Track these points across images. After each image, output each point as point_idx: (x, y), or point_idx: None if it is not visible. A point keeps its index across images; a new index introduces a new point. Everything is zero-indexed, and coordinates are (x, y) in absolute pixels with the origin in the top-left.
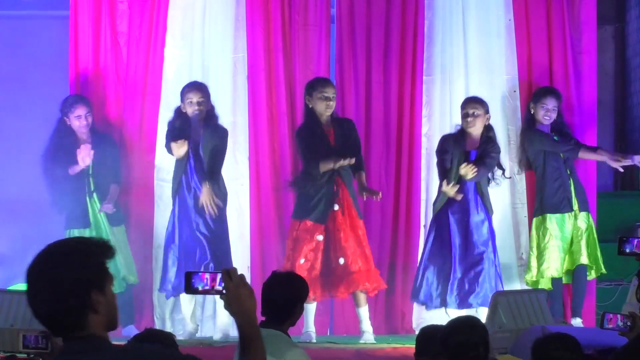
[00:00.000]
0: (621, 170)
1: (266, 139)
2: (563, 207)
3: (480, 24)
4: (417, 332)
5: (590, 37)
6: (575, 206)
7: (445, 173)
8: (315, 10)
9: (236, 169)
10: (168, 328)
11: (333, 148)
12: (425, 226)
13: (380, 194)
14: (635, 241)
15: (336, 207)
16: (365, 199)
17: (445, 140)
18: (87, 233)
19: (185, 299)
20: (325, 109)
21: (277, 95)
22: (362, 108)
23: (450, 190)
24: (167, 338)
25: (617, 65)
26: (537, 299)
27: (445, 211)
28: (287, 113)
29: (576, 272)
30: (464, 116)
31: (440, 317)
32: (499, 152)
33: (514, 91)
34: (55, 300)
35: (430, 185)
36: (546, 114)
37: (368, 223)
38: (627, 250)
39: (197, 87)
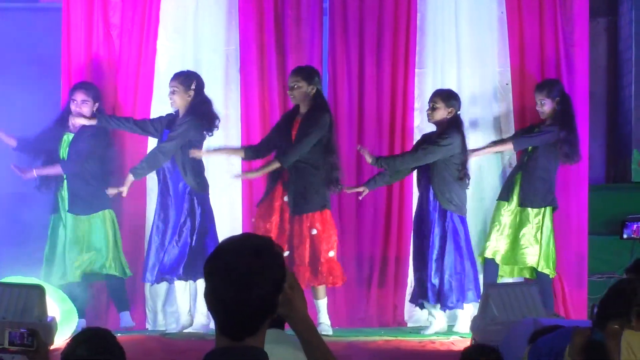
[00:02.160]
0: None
1: (258, 131)
2: (503, 195)
3: (473, 17)
4: (408, 325)
5: (582, 30)
6: (514, 198)
7: None
8: (307, 3)
9: (228, 162)
10: (160, 321)
11: (291, 138)
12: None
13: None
14: (635, 225)
15: (286, 199)
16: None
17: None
18: (56, 219)
19: (180, 291)
20: (292, 98)
21: (269, 88)
22: (355, 101)
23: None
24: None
25: (609, 58)
26: (529, 291)
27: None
28: (280, 106)
29: (536, 272)
30: (427, 108)
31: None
32: (443, 145)
33: (506, 84)
34: (260, 300)
35: (419, 190)
36: (537, 108)
37: (361, 216)
38: (625, 236)
39: (175, 76)
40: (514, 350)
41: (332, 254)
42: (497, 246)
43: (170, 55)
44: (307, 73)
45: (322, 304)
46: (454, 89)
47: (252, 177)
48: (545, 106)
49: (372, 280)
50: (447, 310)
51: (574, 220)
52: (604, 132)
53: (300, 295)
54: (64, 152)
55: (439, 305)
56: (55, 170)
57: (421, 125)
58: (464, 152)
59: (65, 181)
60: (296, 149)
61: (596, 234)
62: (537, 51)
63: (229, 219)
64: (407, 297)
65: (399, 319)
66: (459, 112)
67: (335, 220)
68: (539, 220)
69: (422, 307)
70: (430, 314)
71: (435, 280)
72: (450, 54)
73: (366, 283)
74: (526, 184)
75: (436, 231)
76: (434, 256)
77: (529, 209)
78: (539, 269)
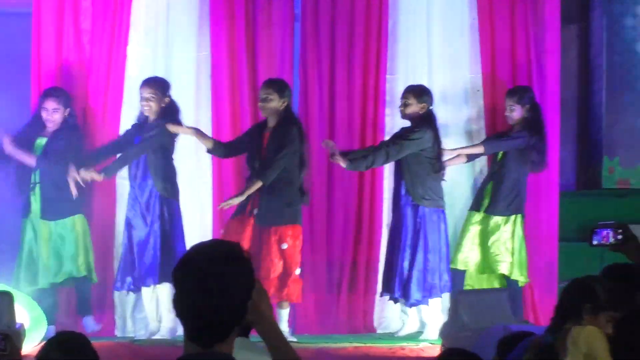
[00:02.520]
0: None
1: (229, 137)
2: (473, 205)
3: (445, 23)
4: (378, 331)
5: (554, 36)
6: (484, 207)
7: None
8: (279, 9)
9: (199, 167)
10: (129, 327)
11: (261, 151)
12: (388, 225)
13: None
14: (605, 232)
15: (255, 212)
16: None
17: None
18: (26, 223)
19: (147, 297)
20: (261, 109)
21: (240, 93)
22: (326, 106)
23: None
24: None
25: (580, 64)
26: (498, 298)
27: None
28: (250, 112)
29: (507, 279)
30: (400, 104)
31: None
32: (412, 139)
33: (477, 90)
34: (230, 306)
35: (392, 184)
36: (506, 113)
37: (331, 222)
38: (595, 242)
39: (147, 83)
40: (483, 357)
41: (298, 271)
42: (468, 257)
43: (141, 61)
44: (279, 86)
45: (285, 313)
46: None
47: (237, 202)
48: (515, 112)
49: (342, 286)
50: (413, 307)
51: (544, 227)
52: (575, 138)
53: (267, 302)
54: (35, 152)
55: None
56: (29, 160)
57: (392, 131)
58: (437, 145)
59: (38, 186)
60: (275, 166)
61: (566, 241)
62: (509, 57)
63: (199, 225)
64: (377, 302)
65: (368, 325)
66: (431, 107)
67: (306, 226)
68: (509, 229)
69: (395, 300)
70: (403, 312)
71: (403, 275)
72: (421, 60)
73: (336, 289)
74: (496, 192)
75: (408, 226)
76: (406, 252)
77: (498, 217)
78: (512, 277)
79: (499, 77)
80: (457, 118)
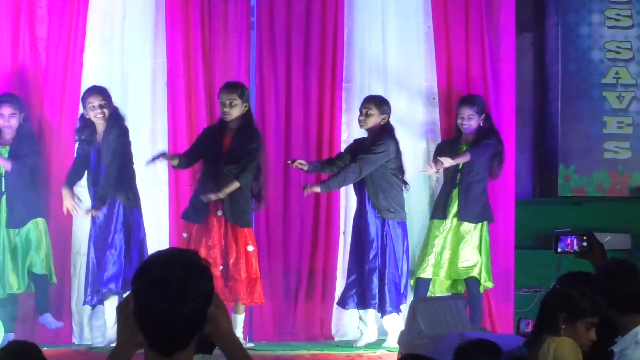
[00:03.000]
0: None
1: (185, 145)
2: (437, 213)
3: (400, 31)
4: (335, 339)
5: (509, 44)
6: (452, 214)
7: None
8: (235, 17)
9: (155, 176)
10: (86, 335)
11: (223, 153)
12: (344, 233)
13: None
14: (569, 239)
15: (219, 213)
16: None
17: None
18: None
19: (106, 305)
20: (223, 114)
21: (196, 101)
22: (282, 115)
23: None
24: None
25: (535, 72)
26: (455, 305)
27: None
28: (207, 119)
29: (468, 285)
30: (359, 114)
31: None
32: (379, 152)
33: (433, 98)
34: (192, 313)
35: (349, 192)
36: (462, 122)
37: (288, 229)
38: (559, 250)
39: (97, 91)
40: None
41: (258, 272)
42: (437, 264)
43: (97, 68)
44: (242, 90)
45: (241, 319)
46: None
47: (214, 199)
48: (473, 121)
49: (299, 293)
50: (384, 316)
51: (500, 234)
52: (531, 146)
53: (225, 313)
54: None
55: (370, 312)
56: (4, 163)
57: (349, 139)
58: (399, 157)
59: (4, 195)
60: (249, 169)
61: (523, 248)
62: (464, 66)
63: (155, 233)
64: (335, 310)
65: (326, 333)
66: (389, 118)
67: (262, 233)
68: (478, 234)
69: (345, 307)
70: (362, 321)
71: (374, 288)
72: (377, 68)
73: (293, 296)
74: (464, 199)
75: (375, 239)
76: (375, 264)
77: (468, 223)
78: (482, 282)
79: (454, 85)
80: (413, 126)
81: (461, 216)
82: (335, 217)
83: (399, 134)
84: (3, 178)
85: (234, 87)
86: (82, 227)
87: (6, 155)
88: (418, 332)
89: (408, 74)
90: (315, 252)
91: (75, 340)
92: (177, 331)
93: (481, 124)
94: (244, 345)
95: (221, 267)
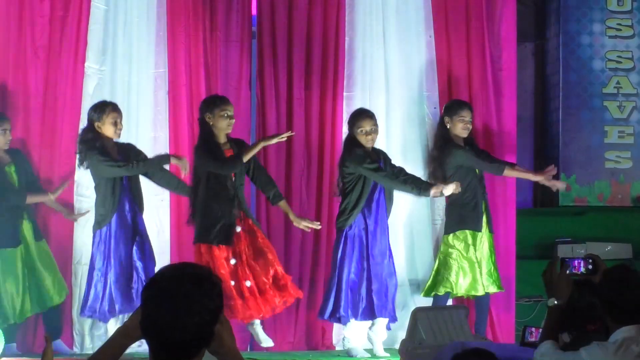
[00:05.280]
0: (541, 182)
1: (187, 154)
2: (475, 225)
3: (401, 41)
4: (337, 348)
5: (510, 54)
6: (485, 226)
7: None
8: (236, 26)
9: (156, 185)
10: (87, 344)
11: (232, 174)
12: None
13: (319, 224)
14: (575, 262)
15: (238, 229)
16: (309, 230)
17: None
18: (18, 252)
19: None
20: (227, 126)
21: (198, 110)
22: (284, 124)
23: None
24: None
25: (536, 82)
26: (457, 315)
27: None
28: None
29: (481, 297)
30: (367, 133)
31: (358, 331)
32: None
33: (434, 108)
34: (197, 327)
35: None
36: (465, 126)
37: (289, 239)
38: (567, 272)
39: (118, 109)
40: None
41: None
42: (469, 278)
43: (98, 78)
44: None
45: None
46: (383, 112)
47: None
48: (471, 126)
49: (300, 304)
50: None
51: (502, 244)
52: (532, 156)
53: (229, 330)
54: (13, 179)
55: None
56: (45, 198)
57: (347, 144)
58: None
59: (25, 212)
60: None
61: (524, 258)
62: (465, 75)
63: (157, 242)
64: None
65: (327, 343)
66: None
67: None
68: (492, 242)
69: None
70: (372, 331)
71: (390, 297)
72: (378, 78)
73: (294, 307)
74: (488, 210)
75: (386, 251)
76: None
77: (490, 234)
78: (497, 289)
79: (456, 94)
80: (414, 135)
81: (490, 228)
82: (335, 228)
83: (401, 142)
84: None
85: (229, 100)
86: (82, 237)
87: (15, 173)
88: (419, 342)
89: (409, 83)
90: (317, 262)
91: (76, 350)
92: (181, 344)
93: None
94: (244, 355)
95: (248, 283)
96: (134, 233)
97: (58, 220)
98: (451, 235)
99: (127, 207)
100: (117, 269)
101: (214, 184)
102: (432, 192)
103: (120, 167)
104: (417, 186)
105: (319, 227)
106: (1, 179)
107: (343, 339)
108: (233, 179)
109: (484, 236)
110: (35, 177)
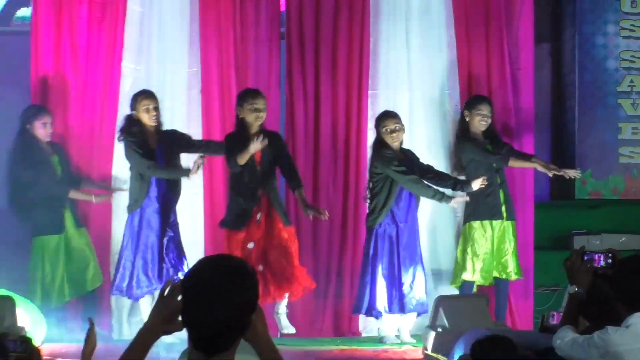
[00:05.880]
0: (550, 175)
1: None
2: (494, 214)
3: (423, 41)
4: (362, 335)
5: (527, 54)
6: (504, 215)
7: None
8: (266, 27)
9: (190, 178)
10: (125, 331)
11: (258, 161)
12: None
13: (327, 213)
14: (596, 256)
15: (258, 217)
16: (312, 219)
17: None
18: (61, 239)
19: (143, 302)
20: (255, 119)
21: (229, 108)
22: (311, 121)
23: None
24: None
25: (553, 81)
26: (477, 303)
27: (389, 221)
28: None
29: (500, 284)
30: (391, 132)
31: (391, 320)
32: None
33: (456, 105)
34: (235, 318)
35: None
36: (482, 119)
37: (317, 232)
38: (588, 266)
39: (151, 94)
40: None
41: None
42: (489, 264)
43: (134, 77)
44: (265, 98)
45: (284, 304)
46: (406, 110)
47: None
48: (490, 119)
49: (329, 292)
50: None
51: (520, 235)
52: (549, 151)
53: (262, 319)
54: (57, 170)
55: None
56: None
57: (375, 145)
58: None
59: (67, 199)
60: (296, 169)
61: (541, 249)
62: (485, 74)
63: (191, 233)
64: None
65: (353, 329)
66: None
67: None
68: (513, 232)
69: (376, 316)
70: (400, 318)
71: (419, 291)
72: (401, 76)
73: (322, 295)
74: (507, 199)
75: (415, 247)
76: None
77: (510, 222)
78: (515, 276)
79: (476, 92)
80: (436, 132)
81: (509, 216)
82: (362, 220)
83: (424, 139)
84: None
85: (261, 94)
86: (120, 226)
87: (59, 164)
88: (442, 329)
89: (431, 82)
90: (343, 253)
91: (114, 336)
92: (219, 334)
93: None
94: (274, 341)
95: (260, 267)
96: (165, 220)
97: (97, 209)
98: (467, 225)
99: (158, 193)
100: (144, 253)
101: (236, 173)
102: (452, 201)
103: (142, 162)
104: (439, 193)
105: (326, 217)
106: (45, 169)
107: (378, 329)
108: (258, 168)
109: (502, 225)
110: (74, 170)
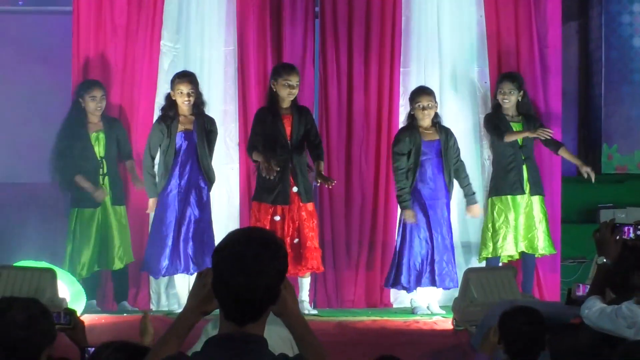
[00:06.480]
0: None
1: None
2: (515, 189)
3: (454, 20)
4: (394, 306)
5: (555, 32)
6: (527, 189)
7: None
8: (301, 7)
9: (227, 154)
10: (163, 302)
11: (287, 133)
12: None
13: (334, 182)
14: (625, 228)
15: (295, 189)
16: (318, 185)
17: (403, 139)
18: (95, 213)
19: (179, 276)
20: (287, 95)
21: (266, 84)
22: (345, 98)
23: (409, 217)
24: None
25: (580, 58)
26: (505, 275)
27: (415, 198)
28: None
29: (527, 258)
30: (423, 108)
31: (423, 292)
32: None
33: (485, 82)
34: (266, 287)
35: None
36: (504, 97)
37: (350, 204)
38: (617, 238)
39: (188, 78)
40: None
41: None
42: (513, 241)
43: (172, 55)
44: (299, 73)
45: (307, 282)
46: (437, 86)
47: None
48: (513, 96)
49: (360, 264)
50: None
51: (548, 209)
52: (576, 127)
53: (292, 294)
54: (100, 150)
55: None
56: (131, 165)
57: (406, 120)
58: None
59: (106, 177)
60: (321, 145)
61: (568, 222)
62: (514, 52)
63: (227, 208)
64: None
65: (385, 301)
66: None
67: (326, 207)
68: (541, 206)
69: (407, 290)
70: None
71: (450, 266)
72: (432, 54)
73: (355, 266)
74: (532, 174)
75: (443, 222)
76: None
77: (537, 197)
78: (548, 250)
79: (505, 70)
80: (466, 109)
81: (534, 191)
82: (393, 194)
83: (453, 114)
84: (104, 161)
85: (296, 70)
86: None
87: (103, 140)
88: (471, 300)
89: (461, 59)
90: (375, 226)
91: (153, 307)
92: (250, 304)
93: (519, 100)
94: (308, 312)
95: (296, 240)
96: (193, 203)
97: (137, 190)
98: (489, 200)
99: (186, 174)
100: (173, 232)
101: (268, 146)
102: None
103: (145, 153)
104: (401, 197)
105: (331, 185)
106: (84, 146)
107: (411, 300)
108: (289, 142)
109: (528, 200)
110: (128, 146)
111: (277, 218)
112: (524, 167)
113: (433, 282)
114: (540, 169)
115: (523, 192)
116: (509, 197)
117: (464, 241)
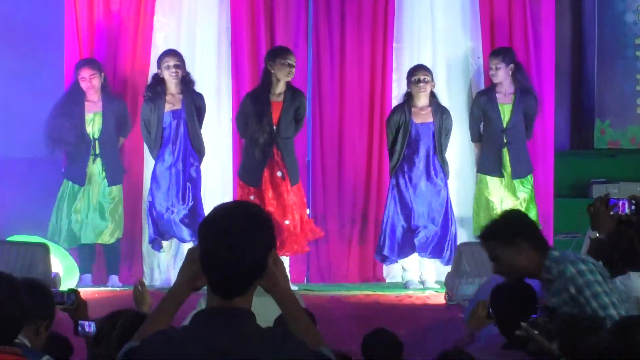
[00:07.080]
0: None
1: None
2: (493, 171)
3: None
4: (386, 281)
5: (548, 8)
6: (507, 171)
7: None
8: None
9: (220, 130)
10: (156, 276)
11: (277, 118)
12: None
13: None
14: (620, 202)
15: (279, 174)
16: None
17: (391, 117)
18: (82, 190)
19: (166, 248)
20: (286, 75)
21: (258, 61)
22: (337, 73)
23: None
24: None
25: (573, 34)
26: None
27: (402, 174)
28: None
29: None
30: (418, 81)
31: (413, 266)
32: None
33: (478, 57)
34: (252, 260)
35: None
36: (492, 72)
37: (342, 180)
38: (612, 212)
39: (173, 52)
40: None
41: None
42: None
43: (166, 31)
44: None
45: (286, 260)
46: (430, 61)
47: None
48: (500, 70)
49: (353, 239)
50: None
51: (540, 184)
52: (569, 103)
53: (282, 270)
54: (94, 131)
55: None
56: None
57: (399, 95)
58: None
59: (98, 158)
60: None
61: (561, 197)
62: (507, 27)
63: (220, 184)
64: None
65: (378, 275)
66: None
67: (319, 184)
68: (529, 187)
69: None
70: (422, 265)
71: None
72: (425, 30)
73: (347, 241)
74: (515, 158)
75: (431, 197)
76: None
77: (521, 179)
78: None
79: (498, 46)
80: (459, 84)
81: (515, 174)
82: (385, 170)
83: (446, 91)
84: (97, 142)
85: (292, 51)
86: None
87: (100, 121)
88: (464, 275)
89: (454, 35)
90: (367, 202)
91: (146, 282)
92: (238, 276)
93: (510, 73)
94: (301, 286)
95: (287, 222)
96: (181, 175)
97: (130, 162)
98: (477, 176)
99: (176, 151)
100: (162, 204)
101: (251, 129)
102: None
103: (142, 127)
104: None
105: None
106: (75, 124)
107: (402, 273)
108: (274, 127)
109: (510, 183)
110: (127, 126)
111: (252, 197)
112: (505, 150)
113: (413, 250)
114: (533, 144)
115: (501, 176)
116: (487, 177)
117: (458, 216)
